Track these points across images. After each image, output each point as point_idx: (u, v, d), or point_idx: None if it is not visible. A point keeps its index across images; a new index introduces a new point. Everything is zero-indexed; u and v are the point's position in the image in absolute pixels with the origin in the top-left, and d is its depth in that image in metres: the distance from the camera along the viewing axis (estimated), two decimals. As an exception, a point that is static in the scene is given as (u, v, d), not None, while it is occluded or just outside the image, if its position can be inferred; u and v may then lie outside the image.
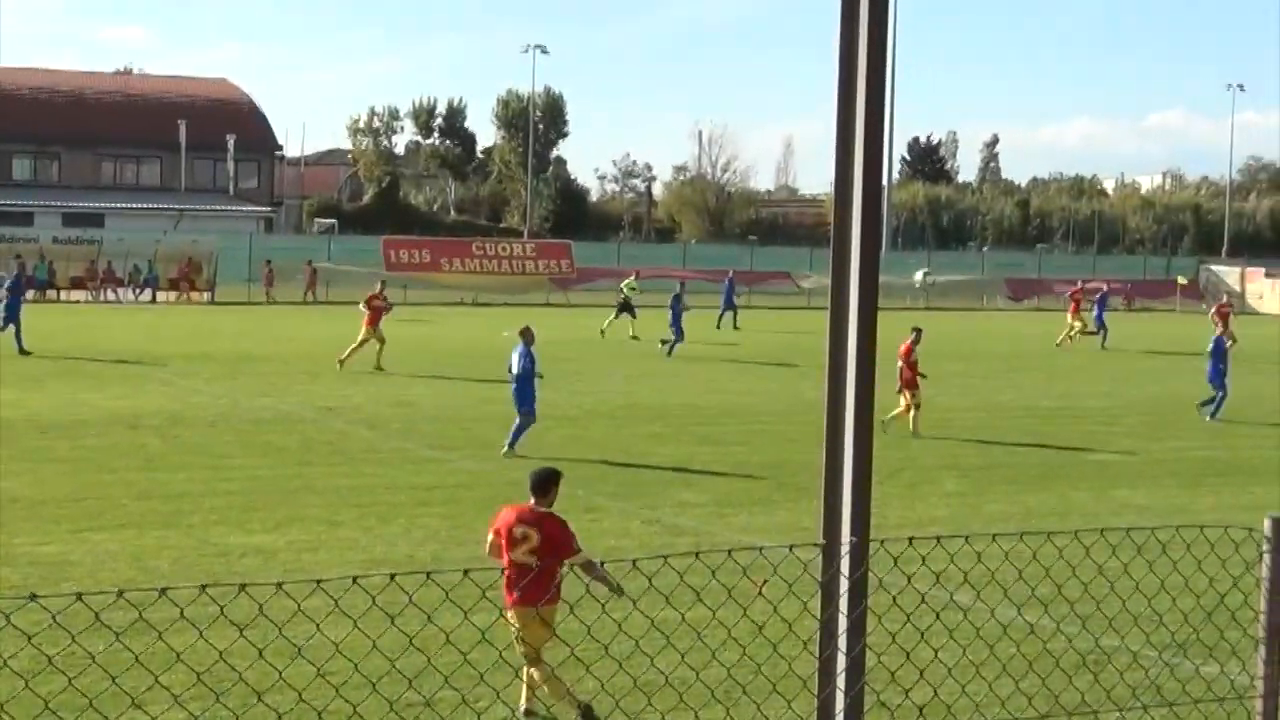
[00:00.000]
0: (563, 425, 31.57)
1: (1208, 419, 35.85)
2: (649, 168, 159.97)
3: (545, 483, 13.08)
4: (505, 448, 27.52)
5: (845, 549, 5.74)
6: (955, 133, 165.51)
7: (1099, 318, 60.92)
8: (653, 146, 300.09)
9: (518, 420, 27.90)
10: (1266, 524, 7.26)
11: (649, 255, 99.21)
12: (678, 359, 48.12)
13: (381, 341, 42.80)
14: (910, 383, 31.85)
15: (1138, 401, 39.45)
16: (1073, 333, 59.42)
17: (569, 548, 12.72)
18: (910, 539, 7.13)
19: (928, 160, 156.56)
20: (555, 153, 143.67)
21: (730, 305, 66.40)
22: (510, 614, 12.53)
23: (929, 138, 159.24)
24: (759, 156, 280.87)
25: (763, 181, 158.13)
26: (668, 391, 38.48)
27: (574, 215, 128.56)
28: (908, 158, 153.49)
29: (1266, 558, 7.17)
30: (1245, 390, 43.37)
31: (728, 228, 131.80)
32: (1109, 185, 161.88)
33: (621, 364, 46.01)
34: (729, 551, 7.04)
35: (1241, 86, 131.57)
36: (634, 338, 55.64)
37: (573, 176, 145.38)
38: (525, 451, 26.73)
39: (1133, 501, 24.63)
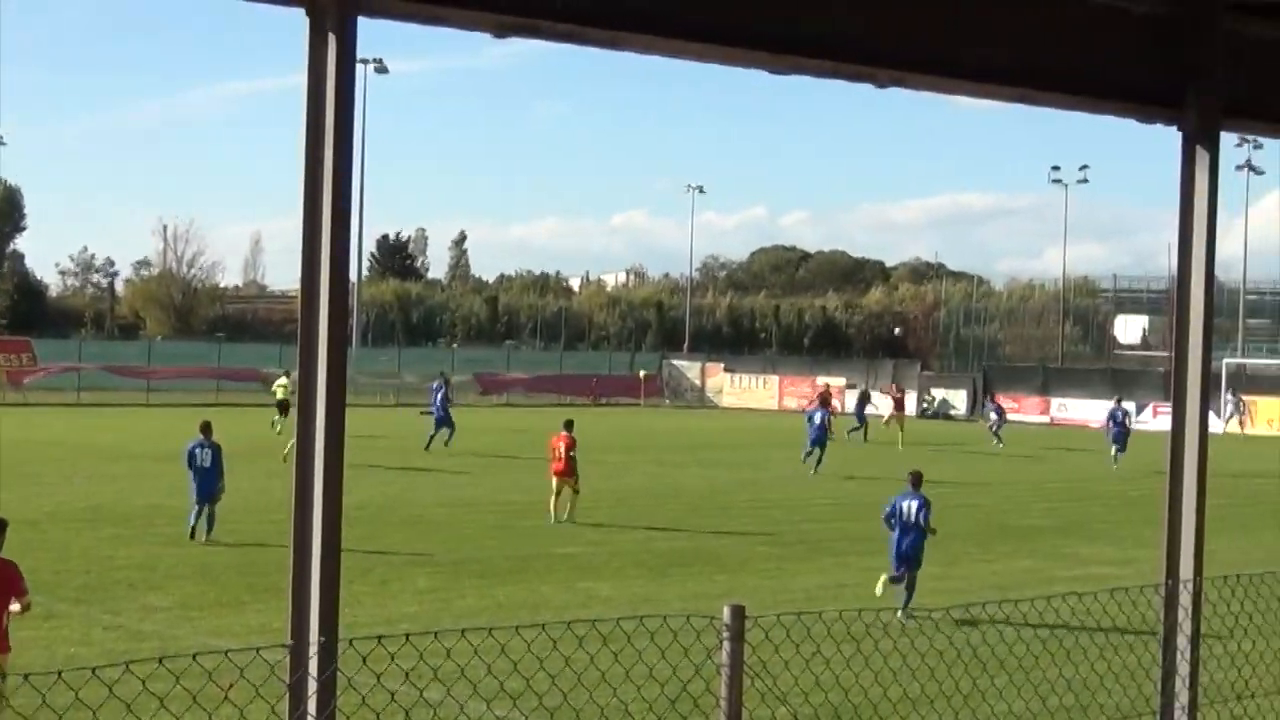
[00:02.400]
0: (20, 530, 30.11)
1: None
2: (111, 262, 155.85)
3: None
4: (205, 537, 28.94)
5: (313, 649, 5.67)
6: (424, 230, 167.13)
7: (859, 414, 67.77)
8: (116, 241, 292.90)
9: (208, 509, 29.25)
10: (725, 612, 7.51)
11: (112, 352, 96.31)
12: (147, 460, 46.85)
13: None
14: (567, 471, 34.23)
15: (604, 493, 40.18)
16: (893, 423, 65.30)
17: (24, 588, 14.17)
18: (380, 637, 7.08)
19: (397, 257, 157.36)
20: (12, 246, 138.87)
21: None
22: None
23: (398, 234, 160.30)
24: (227, 252, 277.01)
25: (231, 277, 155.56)
26: (131, 493, 37.36)
27: (32, 311, 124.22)
28: (377, 254, 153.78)
29: (726, 645, 7.42)
30: (710, 482, 44.97)
31: (195, 324, 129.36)
32: (575, 282, 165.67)
33: (85, 466, 44.52)
34: (194, 656, 6.87)
35: (701, 189, 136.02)
36: (278, 433, 55.25)
37: (31, 271, 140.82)
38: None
39: (600, 593, 25.08)
